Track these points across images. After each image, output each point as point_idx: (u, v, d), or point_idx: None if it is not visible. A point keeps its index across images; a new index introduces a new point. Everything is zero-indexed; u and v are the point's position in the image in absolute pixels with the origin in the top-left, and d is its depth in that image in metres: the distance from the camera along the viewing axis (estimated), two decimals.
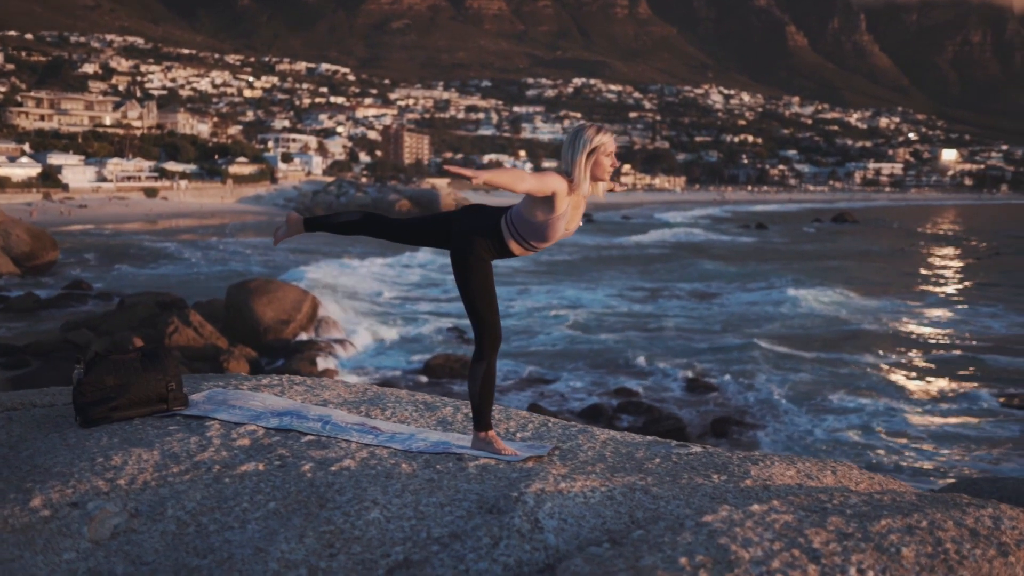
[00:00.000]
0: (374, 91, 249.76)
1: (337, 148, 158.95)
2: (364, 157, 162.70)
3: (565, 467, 2.90)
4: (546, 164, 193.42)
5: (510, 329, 24.43)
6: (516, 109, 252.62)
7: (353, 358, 20.90)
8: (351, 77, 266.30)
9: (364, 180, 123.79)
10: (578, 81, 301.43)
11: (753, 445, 15.08)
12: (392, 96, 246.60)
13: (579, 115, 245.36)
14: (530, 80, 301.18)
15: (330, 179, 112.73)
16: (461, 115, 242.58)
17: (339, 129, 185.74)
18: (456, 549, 2.21)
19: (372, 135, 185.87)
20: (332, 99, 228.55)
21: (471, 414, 3.41)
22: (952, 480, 12.39)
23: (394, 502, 2.46)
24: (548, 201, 3.24)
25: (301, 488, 2.60)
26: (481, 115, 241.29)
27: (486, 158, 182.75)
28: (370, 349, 21.79)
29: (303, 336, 21.77)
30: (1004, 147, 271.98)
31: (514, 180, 3.11)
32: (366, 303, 28.12)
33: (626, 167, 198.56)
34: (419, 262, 40.34)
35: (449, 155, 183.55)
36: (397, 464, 2.86)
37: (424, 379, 18.88)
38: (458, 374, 19.17)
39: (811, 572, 1.85)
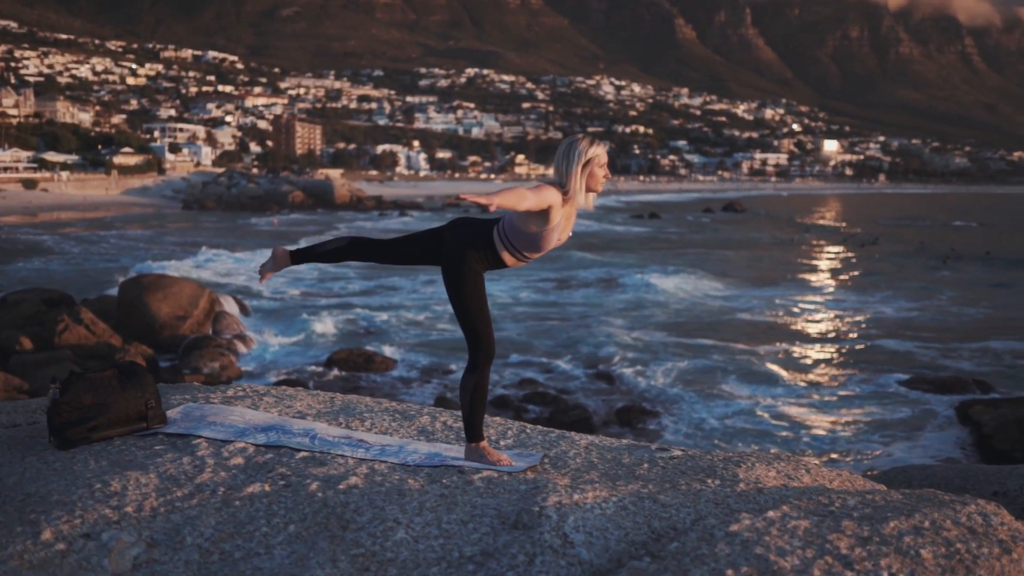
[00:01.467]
0: (264, 80, 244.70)
1: (227, 138, 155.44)
2: (255, 147, 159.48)
3: (565, 477, 2.92)
4: (440, 154, 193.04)
5: (414, 320, 24.35)
6: (409, 99, 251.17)
7: (255, 355, 20.46)
8: (240, 65, 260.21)
9: (255, 171, 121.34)
10: (471, 71, 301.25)
11: (657, 434, 15.33)
12: (283, 85, 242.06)
13: (472, 105, 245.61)
14: (423, 70, 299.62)
15: (220, 170, 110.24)
16: (354, 105, 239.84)
17: (228, 119, 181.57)
18: (492, 568, 2.20)
19: (263, 125, 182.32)
20: (220, 88, 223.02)
21: (462, 424, 3.39)
22: (871, 467, 12.84)
23: (416, 521, 2.43)
24: (543, 213, 3.26)
25: (316, 509, 2.54)
26: (374, 105, 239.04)
27: (379, 148, 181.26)
28: (272, 345, 21.35)
29: (201, 333, 21.20)
30: (881, 138, 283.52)
31: (517, 201, 3.12)
32: (265, 298, 27.59)
33: (520, 157, 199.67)
34: None
35: (342, 145, 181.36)
36: (403, 480, 2.83)
37: (333, 373, 18.62)
38: (363, 367, 18.98)
39: None
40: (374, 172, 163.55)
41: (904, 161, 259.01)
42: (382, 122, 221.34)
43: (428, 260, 3.40)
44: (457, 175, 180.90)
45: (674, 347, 21.31)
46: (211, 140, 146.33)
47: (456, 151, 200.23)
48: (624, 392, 17.77)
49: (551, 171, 3.34)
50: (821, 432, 15.48)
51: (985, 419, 15.43)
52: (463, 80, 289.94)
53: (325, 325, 23.42)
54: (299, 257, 3.58)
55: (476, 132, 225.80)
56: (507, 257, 3.36)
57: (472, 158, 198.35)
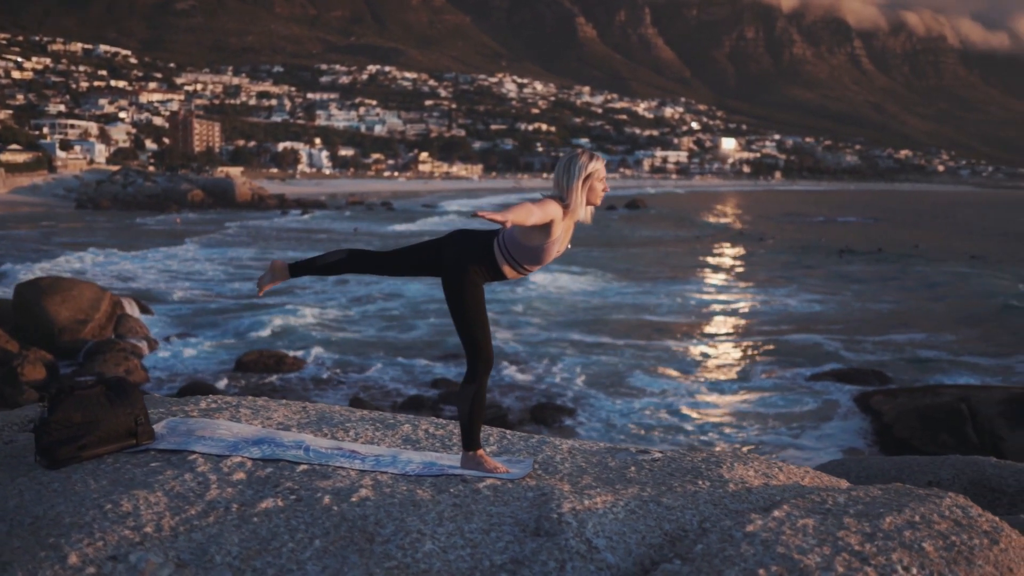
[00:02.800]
0: (158, 75, 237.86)
1: (120, 135, 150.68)
2: (151, 145, 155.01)
3: (564, 482, 2.98)
4: (343, 151, 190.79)
5: (324, 320, 24.09)
6: (310, 96, 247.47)
7: (161, 358, 19.96)
8: (133, 60, 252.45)
9: (152, 169, 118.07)
10: (373, 68, 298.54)
11: (571, 431, 15.51)
12: (178, 81, 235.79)
13: (375, 102, 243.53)
14: (324, 66, 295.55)
15: (115, 168, 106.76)
16: (253, 101, 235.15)
17: (122, 115, 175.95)
18: (526, 575, 2.24)
19: (158, 121, 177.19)
20: (112, 83, 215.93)
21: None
22: (785, 460, 13.20)
23: (439, 532, 2.46)
24: (545, 227, 3.33)
25: (336, 523, 2.55)
26: (274, 101, 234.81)
27: (280, 146, 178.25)
28: (179, 347, 20.85)
29: (103, 337, 20.57)
30: (777, 137, 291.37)
31: (526, 216, 3.19)
32: (170, 301, 26.92)
33: (423, 155, 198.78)
34: (203, 255, 39.13)
35: (241, 143, 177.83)
36: (412, 491, 2.85)
37: (243, 375, 18.28)
38: (273, 368, 18.72)
39: (871, 574, 2.03)
40: (275, 170, 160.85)
41: (798, 159, 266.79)
42: (282, 119, 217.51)
43: (427, 271, 3.43)
44: (360, 173, 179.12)
45: (583, 345, 21.54)
46: (104, 137, 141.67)
47: (359, 149, 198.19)
48: (536, 390, 17.90)
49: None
50: (731, 426, 15.86)
51: (885, 409, 16.07)
52: (365, 77, 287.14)
53: (233, 326, 23.01)
54: (298, 270, 3.59)
55: (379, 129, 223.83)
56: (507, 270, 3.43)
57: (375, 155, 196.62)
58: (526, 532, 2.48)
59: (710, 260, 43.53)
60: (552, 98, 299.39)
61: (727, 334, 23.80)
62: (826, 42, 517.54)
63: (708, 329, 24.37)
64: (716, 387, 18.30)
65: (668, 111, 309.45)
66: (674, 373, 19.15)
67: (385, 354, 20.37)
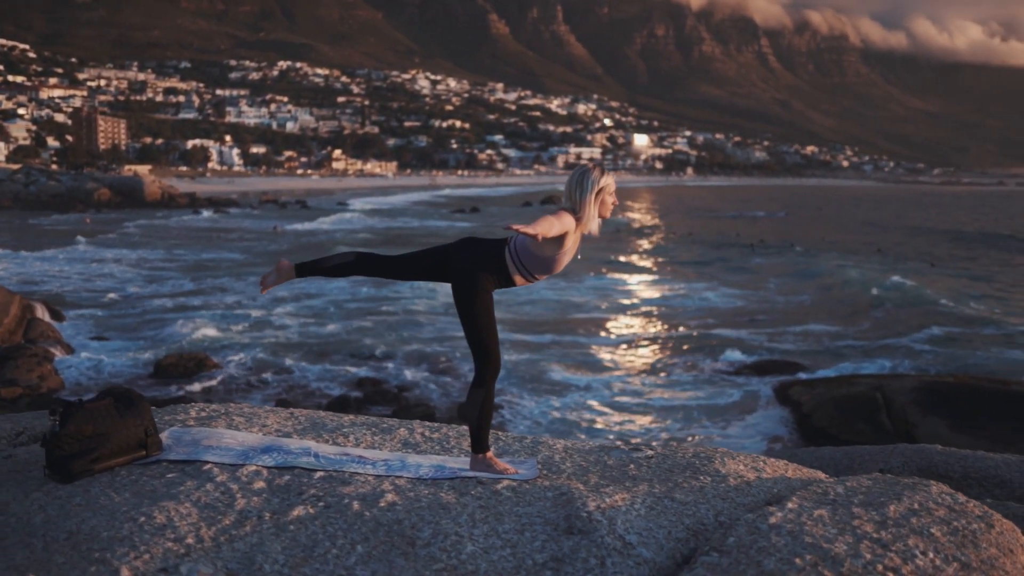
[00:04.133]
0: (59, 70, 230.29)
1: (20, 132, 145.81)
2: (53, 142, 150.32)
3: (574, 481, 3.05)
4: (254, 149, 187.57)
5: (243, 321, 23.73)
6: (219, 92, 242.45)
7: (75, 363, 19.38)
8: (32, 54, 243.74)
9: (55, 167, 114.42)
10: (283, 64, 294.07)
11: (500, 428, 15.54)
12: (81, 76, 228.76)
13: (286, 99, 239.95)
14: (233, 62, 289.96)
15: (16, 166, 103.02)
16: (160, 98, 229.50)
17: (21, 111, 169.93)
18: (570, 572, 2.32)
19: (60, 118, 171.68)
20: (10, 78, 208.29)
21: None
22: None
23: (475, 533, 2.52)
24: (559, 238, 3.43)
25: (372, 528, 2.58)
26: (181, 98, 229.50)
27: (190, 143, 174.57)
28: (91, 352, 20.25)
29: (13, 342, 19.91)
30: (688, 133, 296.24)
31: (549, 228, 3.29)
32: (79, 304, 26.13)
33: (337, 152, 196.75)
34: (112, 256, 38.23)
35: (149, 140, 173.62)
36: (435, 494, 2.90)
37: (161, 379, 17.87)
38: (193, 372, 18.38)
39: (895, 559, 2.17)
40: (185, 168, 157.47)
41: (709, 155, 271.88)
42: (191, 116, 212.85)
43: (435, 277, 3.48)
44: (273, 171, 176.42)
45: (506, 342, 21.63)
46: (3, 134, 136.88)
47: (270, 146, 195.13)
48: (463, 387, 17.95)
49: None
50: (657, 420, 16.08)
51: (803, 399, 16.53)
52: (275, 73, 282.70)
53: (149, 328, 22.48)
54: (304, 271, 3.59)
55: (291, 126, 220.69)
56: (518, 279, 3.52)
57: (288, 153, 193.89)
58: (558, 531, 2.56)
59: (628, 256, 44.01)
60: (466, 95, 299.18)
61: (649, 329, 24.13)
62: (734, 40, 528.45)
63: (630, 324, 24.68)
64: (639, 382, 18.51)
65: (581, 108, 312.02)
66: (597, 369, 19.35)
67: (306, 354, 20.14)
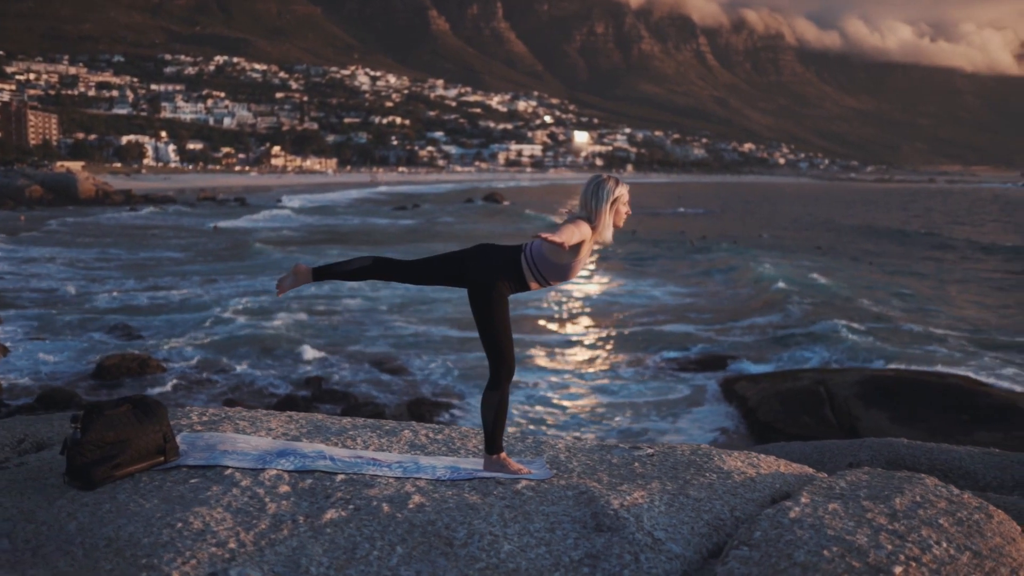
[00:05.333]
0: None
1: None
2: None
3: (587, 479, 3.11)
4: (191, 145, 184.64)
5: (187, 320, 23.41)
6: (154, 87, 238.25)
7: (14, 364, 18.88)
8: None
9: None
10: (220, 59, 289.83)
11: (450, 426, 15.52)
12: (9, 70, 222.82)
13: (223, 94, 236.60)
14: (168, 56, 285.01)
15: None
16: (92, 92, 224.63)
17: None
18: (607, 568, 2.39)
19: None
20: None
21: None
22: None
23: (509, 532, 2.57)
24: (575, 246, 3.52)
25: (406, 529, 2.62)
26: (115, 93, 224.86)
27: (124, 139, 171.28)
28: (28, 354, 19.75)
29: None
30: (628, 130, 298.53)
31: (571, 237, 3.39)
32: (21, 304, 25.51)
33: (275, 149, 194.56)
34: (45, 255, 37.42)
35: (81, 136, 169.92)
36: (460, 495, 2.95)
37: (104, 380, 17.49)
38: (137, 372, 18.06)
39: (914, 549, 2.29)
40: (119, 164, 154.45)
41: (649, 152, 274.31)
42: (125, 111, 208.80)
43: (451, 282, 3.54)
44: (210, 167, 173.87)
45: (455, 341, 21.58)
46: None
47: (208, 142, 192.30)
48: (410, 386, 17.90)
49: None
50: (606, 416, 16.20)
51: (749, 394, 16.81)
52: (212, 68, 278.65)
53: (88, 329, 22.02)
54: (321, 275, 3.61)
55: (228, 122, 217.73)
56: (533, 284, 3.61)
57: (225, 149, 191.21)
58: (587, 528, 2.63)
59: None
60: (406, 91, 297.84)
61: (596, 326, 24.30)
62: (672, 39, 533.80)
63: (576, 321, 24.81)
64: (587, 378, 18.60)
65: (521, 105, 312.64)
66: (545, 366, 19.41)
67: (251, 352, 19.88)
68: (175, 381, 17.71)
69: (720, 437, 15.04)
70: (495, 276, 3.53)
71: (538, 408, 16.45)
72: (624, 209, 3.65)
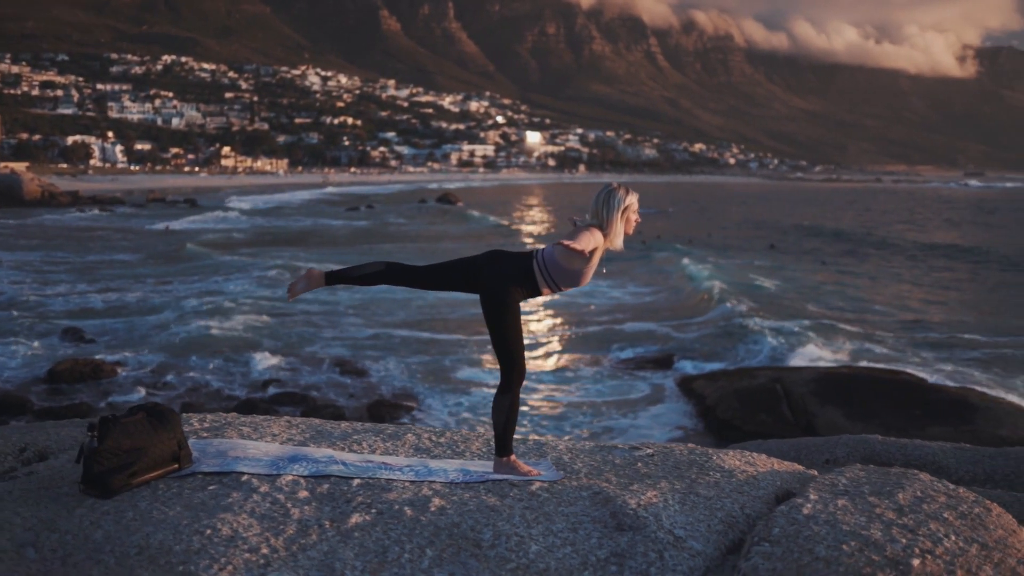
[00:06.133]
0: None
1: None
2: None
3: (599, 480, 3.16)
4: (139, 145, 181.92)
5: (138, 323, 23.10)
6: (100, 86, 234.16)
7: None
8: None
9: None
10: (168, 58, 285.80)
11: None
12: None
13: (171, 94, 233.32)
14: (114, 56, 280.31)
15: None
16: (36, 92, 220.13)
17: None
18: (633, 566, 2.44)
19: None
20: None
21: (494, 441, 3.60)
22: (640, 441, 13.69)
23: (533, 533, 2.62)
24: (588, 253, 3.60)
25: (433, 532, 2.65)
26: (60, 92, 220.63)
27: (70, 139, 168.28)
28: None
29: None
30: (579, 131, 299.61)
31: (588, 244, 3.51)
32: None
33: (225, 149, 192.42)
34: None
35: (25, 136, 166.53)
36: (478, 497, 2.99)
37: (57, 386, 17.19)
38: (90, 376, 17.80)
39: (926, 543, 2.38)
40: (65, 165, 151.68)
41: (601, 152, 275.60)
42: (70, 111, 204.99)
43: (464, 288, 3.59)
44: (158, 168, 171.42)
45: (412, 342, 21.56)
46: None
47: (156, 143, 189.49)
48: (369, 388, 17.86)
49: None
50: (567, 414, 16.30)
51: (707, 392, 17.05)
52: (160, 67, 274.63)
53: (37, 333, 21.62)
54: (334, 279, 3.64)
55: (176, 123, 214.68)
56: (546, 290, 3.69)
57: (174, 150, 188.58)
58: (609, 528, 2.69)
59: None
60: (357, 91, 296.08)
61: (555, 326, 24.39)
62: (623, 39, 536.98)
63: (537, 321, 24.88)
64: (548, 378, 18.70)
65: (473, 105, 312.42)
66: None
67: (207, 355, 19.69)
68: (130, 385, 17.47)
69: (679, 435, 15.22)
70: (509, 282, 3.60)
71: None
72: (634, 217, 3.74)
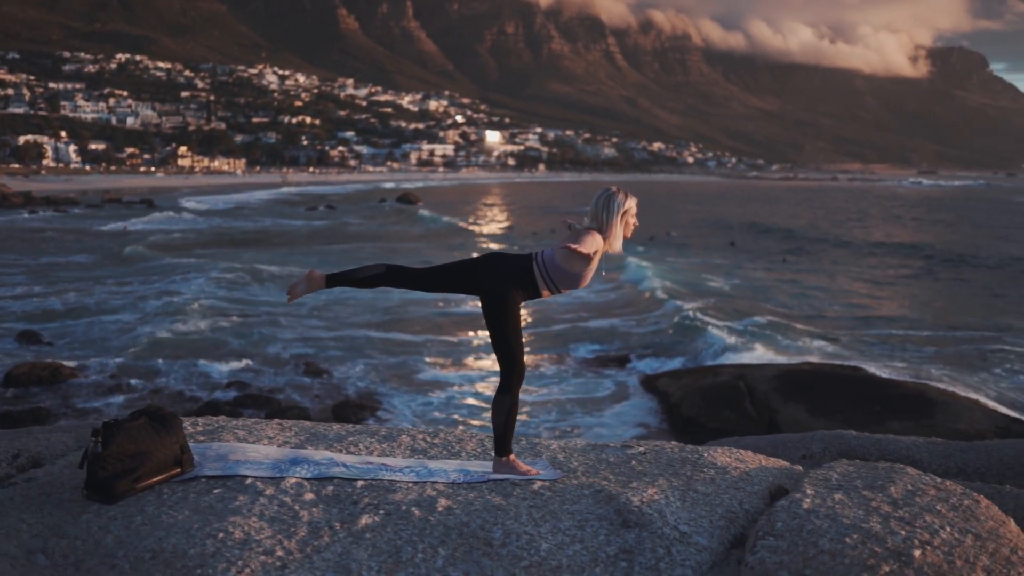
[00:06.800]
0: None
1: None
2: None
3: (597, 478, 3.20)
4: (93, 145, 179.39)
5: (93, 324, 22.81)
6: (52, 85, 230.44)
7: None
8: None
9: None
10: (122, 56, 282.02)
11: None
12: None
13: (126, 93, 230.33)
14: (67, 54, 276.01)
15: None
16: None
17: None
18: (642, 562, 2.49)
19: None
20: None
21: (494, 441, 3.67)
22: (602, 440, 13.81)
23: (542, 531, 2.65)
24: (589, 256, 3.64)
25: (443, 532, 2.69)
26: (10, 91, 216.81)
27: (21, 139, 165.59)
28: None
29: None
30: (539, 130, 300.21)
31: (591, 247, 3.57)
32: None
33: (182, 149, 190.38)
34: None
35: None
36: (482, 496, 3.01)
37: (14, 391, 16.91)
38: (46, 381, 17.54)
39: (924, 534, 2.46)
40: (16, 165, 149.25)
41: (560, 151, 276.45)
42: (21, 110, 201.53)
43: (464, 290, 3.62)
44: (113, 168, 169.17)
45: (376, 342, 21.48)
46: None
47: (111, 142, 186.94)
48: (333, 388, 17.78)
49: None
50: (532, 412, 16.35)
51: (671, 390, 17.19)
52: (114, 66, 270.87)
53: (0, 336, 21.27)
54: (334, 281, 3.65)
55: (132, 122, 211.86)
56: (545, 292, 3.75)
57: (130, 150, 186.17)
58: (614, 525, 2.74)
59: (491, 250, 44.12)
60: (315, 91, 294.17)
61: (524, 324, 24.41)
62: (582, 39, 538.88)
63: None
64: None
65: (433, 104, 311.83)
66: (470, 366, 19.47)
67: (169, 356, 19.45)
68: (89, 388, 17.23)
69: (644, 432, 15.34)
70: (509, 285, 3.65)
71: (463, 409, 16.50)
72: (632, 221, 3.80)
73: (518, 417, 3.67)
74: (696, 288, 30.17)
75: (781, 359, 19.67)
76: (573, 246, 3.35)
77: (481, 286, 3.67)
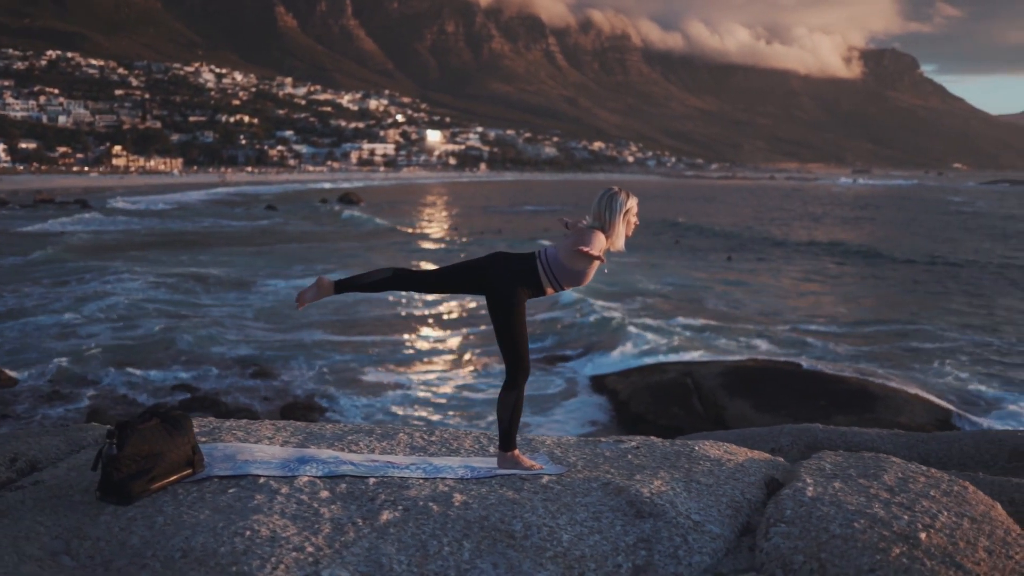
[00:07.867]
0: None
1: None
2: None
3: (597, 471, 3.27)
4: (23, 144, 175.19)
5: (38, 329, 22.35)
6: None
7: None
8: None
9: None
10: (53, 53, 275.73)
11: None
12: None
13: (57, 91, 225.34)
14: None
15: None
16: None
17: None
18: (661, 550, 2.56)
19: None
20: None
21: (498, 436, 3.75)
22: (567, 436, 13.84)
23: (561, 523, 2.71)
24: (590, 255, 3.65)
25: (464, 526, 2.74)
26: None
27: None
28: None
29: None
30: (480, 129, 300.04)
31: (600, 248, 3.70)
32: None
33: (117, 148, 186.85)
34: None
35: None
36: (495, 491, 3.07)
37: None
38: None
39: (925, 519, 2.58)
40: None
41: (501, 151, 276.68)
42: None
43: (470, 291, 3.69)
44: (45, 168, 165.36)
45: (322, 343, 21.36)
46: None
47: (42, 141, 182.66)
48: (281, 390, 17.66)
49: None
50: (481, 416, 16.41)
51: (620, 388, 17.40)
52: (44, 63, 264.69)
53: None
54: (343, 287, 3.68)
55: (64, 120, 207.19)
56: (549, 290, 3.84)
57: (62, 149, 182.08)
58: (629, 515, 2.82)
59: (435, 251, 44.28)
60: (253, 89, 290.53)
61: (464, 322, 24.45)
62: (523, 38, 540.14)
63: (446, 319, 24.88)
64: (459, 375, 18.75)
65: (373, 103, 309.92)
66: (411, 366, 19.45)
67: (111, 361, 19.07)
68: (29, 394, 16.83)
69: (594, 430, 15.48)
70: (515, 283, 3.73)
71: (408, 409, 16.49)
72: (633, 220, 3.89)
73: (504, 415, 3.74)
74: (633, 288, 30.51)
75: (725, 356, 20.00)
76: (585, 249, 3.46)
77: (487, 285, 3.75)
